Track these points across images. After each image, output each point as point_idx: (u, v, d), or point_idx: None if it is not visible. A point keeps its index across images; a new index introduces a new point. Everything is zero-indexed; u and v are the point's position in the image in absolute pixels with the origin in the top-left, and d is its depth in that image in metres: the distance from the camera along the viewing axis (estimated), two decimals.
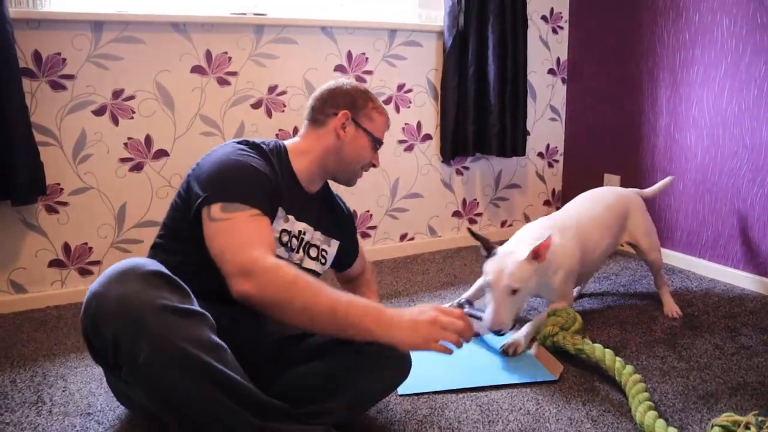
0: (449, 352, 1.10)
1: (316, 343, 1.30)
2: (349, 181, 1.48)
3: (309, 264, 1.40)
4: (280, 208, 1.30)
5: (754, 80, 2.16)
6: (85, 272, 2.19)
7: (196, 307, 1.05)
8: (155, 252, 1.34)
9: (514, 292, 1.59)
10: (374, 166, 1.49)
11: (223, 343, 1.05)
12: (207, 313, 1.06)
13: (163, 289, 1.02)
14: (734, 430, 1.16)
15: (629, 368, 1.46)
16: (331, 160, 1.41)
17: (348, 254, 1.57)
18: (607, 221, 1.96)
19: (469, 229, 1.78)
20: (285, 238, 1.33)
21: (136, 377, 1.00)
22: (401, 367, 1.29)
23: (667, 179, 2.20)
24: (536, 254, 1.62)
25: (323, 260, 1.45)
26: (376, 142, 1.44)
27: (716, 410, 1.39)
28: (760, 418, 1.18)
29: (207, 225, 1.16)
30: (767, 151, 2.14)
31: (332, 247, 1.47)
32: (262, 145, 1.34)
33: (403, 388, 1.46)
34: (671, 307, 1.98)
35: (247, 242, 1.11)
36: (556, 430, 1.32)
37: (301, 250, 1.38)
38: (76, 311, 2.07)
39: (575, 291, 2.11)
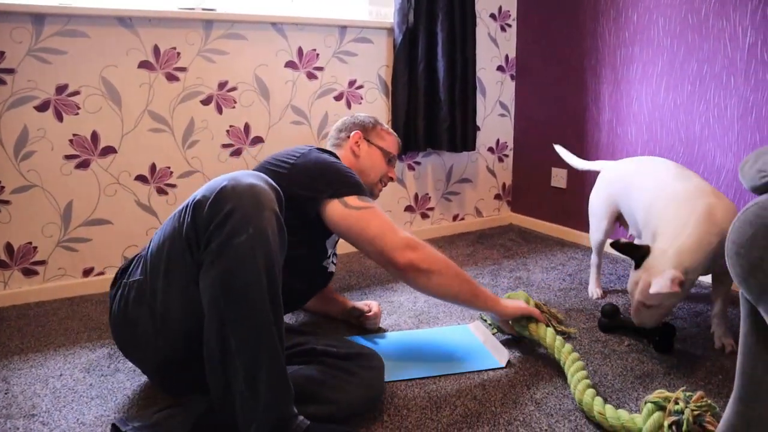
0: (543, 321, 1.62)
1: (298, 351, 1.37)
2: (372, 193, 1.76)
3: (332, 267, 1.69)
4: None
5: (687, 77, 2.27)
6: (29, 272, 2.14)
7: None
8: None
9: (648, 307, 1.53)
10: (391, 179, 1.80)
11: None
12: None
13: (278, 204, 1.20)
14: (665, 406, 1.23)
15: (568, 347, 1.53)
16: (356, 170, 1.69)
17: None
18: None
19: (613, 244, 1.60)
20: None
21: (223, 251, 1.09)
22: (378, 377, 1.36)
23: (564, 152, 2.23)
24: (681, 284, 1.45)
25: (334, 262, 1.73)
26: (388, 155, 1.77)
27: (651, 388, 1.46)
28: (687, 393, 1.25)
29: (344, 214, 1.43)
30: (700, 145, 2.26)
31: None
32: None
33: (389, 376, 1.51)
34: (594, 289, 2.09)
35: (395, 225, 1.45)
36: (502, 413, 1.37)
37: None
38: (19, 313, 2.02)
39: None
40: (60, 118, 2.10)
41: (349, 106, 2.66)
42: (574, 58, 2.77)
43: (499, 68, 3.07)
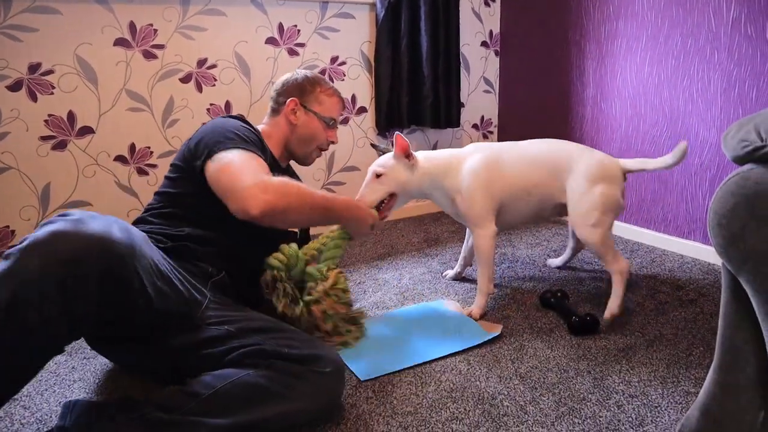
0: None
1: (253, 349, 1.21)
2: (305, 161, 1.73)
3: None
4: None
5: (671, 52, 2.26)
6: (7, 257, 2.09)
7: None
8: (153, 218, 1.46)
9: (378, 176, 1.69)
10: (333, 143, 1.73)
11: None
12: None
13: None
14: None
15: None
16: (290, 142, 1.67)
17: None
18: (532, 157, 1.78)
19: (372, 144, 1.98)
20: None
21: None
22: (331, 382, 1.23)
23: (682, 144, 1.65)
24: (402, 149, 1.69)
25: None
26: (328, 121, 1.68)
27: (634, 361, 1.48)
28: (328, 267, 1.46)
29: (214, 166, 1.35)
30: (684, 120, 2.26)
31: None
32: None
33: (365, 374, 1.43)
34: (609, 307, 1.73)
35: (259, 170, 1.34)
36: (486, 388, 1.37)
37: None
38: None
39: (561, 259, 2.16)
40: (34, 98, 2.04)
41: (332, 82, 2.62)
42: (558, 33, 2.74)
43: (483, 44, 3.04)
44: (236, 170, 1.32)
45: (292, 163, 1.78)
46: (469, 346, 1.57)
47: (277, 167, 1.57)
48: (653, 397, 1.32)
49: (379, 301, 1.89)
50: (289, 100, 1.64)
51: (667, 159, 1.67)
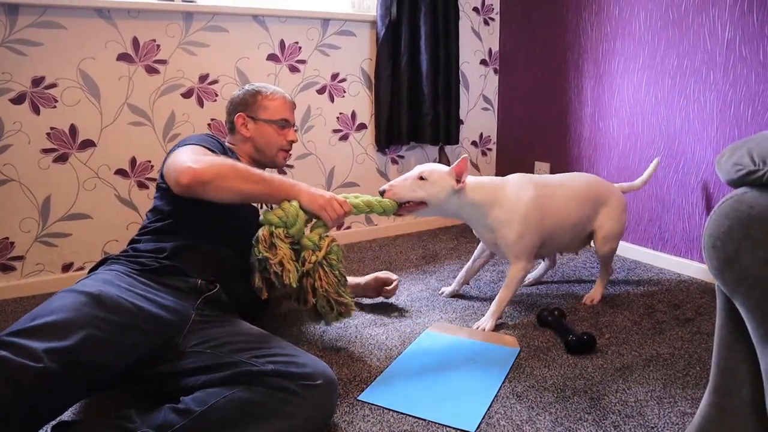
0: (329, 225, 1.49)
1: (243, 369, 1.20)
2: (274, 165, 1.78)
3: None
4: None
5: (668, 72, 2.29)
6: (6, 268, 2.10)
7: None
8: (148, 237, 1.49)
9: (421, 178, 1.67)
10: (293, 142, 1.76)
11: None
12: None
13: None
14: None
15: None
16: (252, 153, 1.73)
17: None
18: (578, 195, 1.88)
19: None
20: None
21: None
22: (325, 395, 1.22)
23: (653, 163, 2.15)
24: (457, 172, 1.68)
25: None
26: (279, 123, 1.72)
27: (631, 381, 1.48)
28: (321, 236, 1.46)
29: (166, 164, 1.44)
30: (680, 139, 2.28)
31: None
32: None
33: (369, 397, 1.40)
34: (592, 294, 2.02)
35: (201, 153, 1.42)
36: None
37: None
38: None
39: (533, 274, 2.21)
40: (37, 111, 2.06)
41: (332, 99, 2.65)
42: (556, 52, 2.78)
43: (483, 62, 3.07)
44: (179, 156, 1.40)
45: None
46: (504, 376, 1.51)
47: None
48: (650, 417, 1.32)
49: (376, 318, 1.89)
50: (236, 116, 1.71)
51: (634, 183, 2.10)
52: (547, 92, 2.86)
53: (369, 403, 1.38)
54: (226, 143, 1.70)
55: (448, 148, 3.01)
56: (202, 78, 2.34)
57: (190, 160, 1.36)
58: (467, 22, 2.95)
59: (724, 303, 0.93)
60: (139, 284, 1.31)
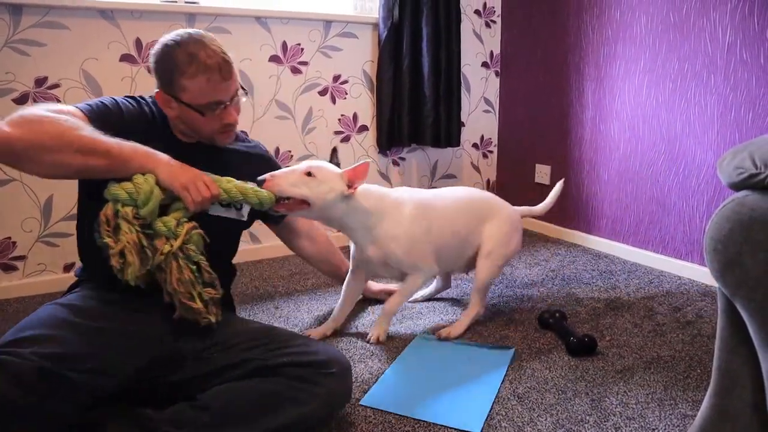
0: (190, 209, 1.21)
1: (257, 365, 1.21)
2: (214, 143, 1.39)
3: (218, 211, 1.35)
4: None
5: (669, 75, 2.30)
6: (8, 268, 2.10)
7: None
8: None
9: (309, 174, 1.49)
10: (231, 124, 1.36)
11: None
12: None
13: None
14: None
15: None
16: (188, 131, 1.36)
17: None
18: (460, 207, 1.81)
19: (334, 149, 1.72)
20: None
21: None
22: (341, 382, 1.23)
23: (558, 185, 2.10)
24: (351, 177, 1.56)
25: (238, 206, 1.40)
26: (205, 109, 1.29)
27: (632, 383, 1.48)
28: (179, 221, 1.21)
29: None
30: (681, 142, 2.28)
31: None
32: (150, 97, 1.38)
33: (371, 401, 1.40)
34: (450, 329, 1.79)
35: (71, 114, 1.19)
36: None
37: None
38: None
39: (424, 291, 2.08)
40: None
41: (333, 101, 2.65)
42: (557, 54, 2.78)
43: (484, 64, 3.07)
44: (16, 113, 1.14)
45: None
46: (502, 376, 1.52)
47: (169, 141, 1.34)
48: (650, 419, 1.33)
49: (368, 323, 1.89)
50: (155, 93, 1.33)
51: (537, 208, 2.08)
52: (548, 95, 2.86)
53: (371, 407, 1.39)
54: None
55: (453, 151, 3.02)
56: None
57: (10, 119, 1.09)
58: (469, 25, 2.96)
59: (725, 305, 0.93)
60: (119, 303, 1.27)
